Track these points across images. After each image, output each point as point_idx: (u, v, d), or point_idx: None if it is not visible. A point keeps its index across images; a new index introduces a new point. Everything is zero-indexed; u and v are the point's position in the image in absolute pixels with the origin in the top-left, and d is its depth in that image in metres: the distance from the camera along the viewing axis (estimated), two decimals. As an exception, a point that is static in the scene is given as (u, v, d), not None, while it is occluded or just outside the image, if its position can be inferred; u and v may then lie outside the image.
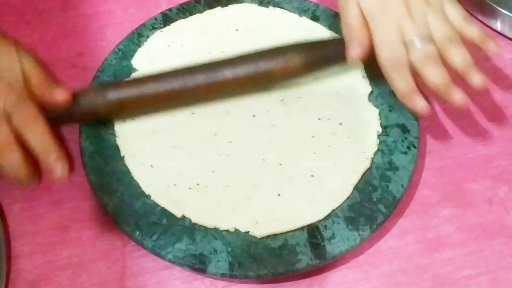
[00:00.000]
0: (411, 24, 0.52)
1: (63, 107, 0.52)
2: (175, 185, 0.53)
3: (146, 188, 0.53)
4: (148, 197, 0.53)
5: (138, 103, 0.55)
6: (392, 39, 0.52)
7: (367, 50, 0.53)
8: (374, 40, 0.53)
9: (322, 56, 0.57)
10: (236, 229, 0.51)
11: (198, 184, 0.53)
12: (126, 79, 0.57)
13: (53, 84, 0.52)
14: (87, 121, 0.56)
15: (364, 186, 0.53)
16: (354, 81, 0.59)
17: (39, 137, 0.48)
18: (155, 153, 0.55)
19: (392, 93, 0.58)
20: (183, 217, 0.52)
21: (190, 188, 0.53)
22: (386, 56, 0.53)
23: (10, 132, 0.47)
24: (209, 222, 0.51)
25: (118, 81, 0.58)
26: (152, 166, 0.54)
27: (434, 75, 0.52)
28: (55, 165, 0.48)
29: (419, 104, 0.53)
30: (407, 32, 0.52)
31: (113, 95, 0.54)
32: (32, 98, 0.50)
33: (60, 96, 0.52)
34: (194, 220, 0.51)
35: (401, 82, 0.53)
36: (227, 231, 0.51)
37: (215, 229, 0.51)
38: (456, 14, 0.53)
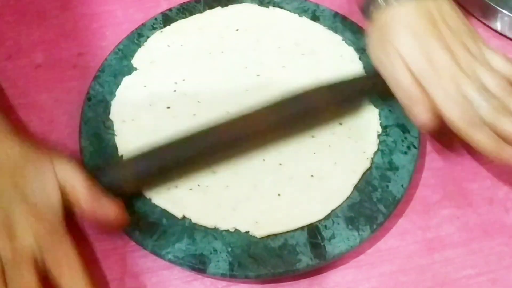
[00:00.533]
0: (467, 79, 0.50)
1: (116, 224, 0.47)
2: (176, 187, 0.53)
3: (147, 191, 0.53)
4: (148, 198, 0.53)
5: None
6: (456, 97, 0.50)
7: (433, 112, 0.50)
8: (437, 100, 0.50)
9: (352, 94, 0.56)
10: (236, 229, 0.51)
11: (199, 185, 0.53)
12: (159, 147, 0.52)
13: (102, 197, 0.46)
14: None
15: (364, 186, 0.54)
16: (354, 81, 0.59)
17: (75, 284, 0.43)
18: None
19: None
20: (184, 217, 0.52)
21: (190, 189, 0.53)
22: (458, 115, 0.50)
23: (34, 279, 0.42)
24: (209, 222, 0.51)
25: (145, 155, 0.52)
26: None
27: None
28: None
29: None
30: (467, 88, 0.50)
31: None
32: (70, 219, 0.45)
33: (113, 211, 0.46)
34: (194, 220, 0.51)
35: (485, 138, 0.49)
36: (227, 231, 0.51)
37: (215, 229, 0.51)
38: (499, 60, 0.52)
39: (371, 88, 0.56)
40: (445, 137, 0.56)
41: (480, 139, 0.50)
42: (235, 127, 0.53)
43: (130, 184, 0.50)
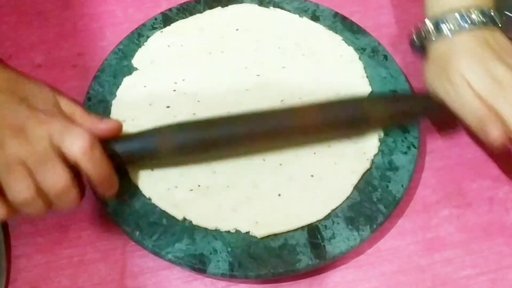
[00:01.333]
0: None
1: (115, 136, 0.50)
2: (176, 187, 0.53)
3: (147, 191, 0.53)
4: (148, 198, 0.53)
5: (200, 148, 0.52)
6: None
7: (504, 129, 0.50)
8: (505, 116, 0.49)
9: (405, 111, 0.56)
10: (236, 230, 0.51)
11: (199, 186, 0.53)
12: (186, 121, 0.53)
13: (97, 115, 0.51)
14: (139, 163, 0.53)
15: (364, 186, 0.53)
16: (354, 81, 0.59)
17: (97, 166, 0.46)
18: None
19: (392, 93, 0.58)
20: (184, 219, 0.52)
21: (191, 190, 0.53)
22: None
23: (68, 170, 0.45)
24: (210, 224, 0.51)
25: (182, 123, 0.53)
26: (152, 170, 0.54)
27: None
28: (110, 189, 0.49)
29: None
30: None
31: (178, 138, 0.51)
32: None
33: (112, 124, 0.50)
34: (195, 222, 0.51)
35: None
36: (228, 231, 0.51)
37: (216, 230, 0.51)
38: None
39: (424, 109, 0.56)
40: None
41: None
42: (282, 118, 0.53)
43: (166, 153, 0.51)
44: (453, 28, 0.53)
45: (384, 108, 0.54)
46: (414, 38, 0.57)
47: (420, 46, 0.56)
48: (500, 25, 0.53)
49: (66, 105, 0.49)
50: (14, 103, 0.47)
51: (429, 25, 0.54)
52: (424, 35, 0.55)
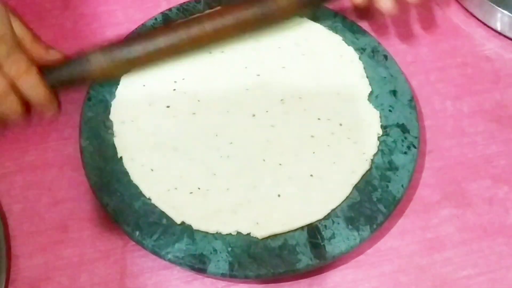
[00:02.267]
0: None
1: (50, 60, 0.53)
2: (176, 188, 0.53)
3: (147, 191, 0.53)
4: (148, 198, 0.53)
5: (143, 61, 0.55)
6: None
7: None
8: None
9: None
10: (238, 232, 0.51)
11: (199, 189, 0.53)
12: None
13: (46, 44, 0.53)
14: (86, 84, 0.57)
15: (364, 186, 0.53)
16: (354, 81, 0.59)
17: (32, 86, 0.49)
18: (155, 155, 0.55)
19: (392, 93, 0.58)
20: (183, 223, 0.51)
21: (191, 192, 0.53)
22: None
23: (3, 79, 0.48)
24: (211, 228, 0.51)
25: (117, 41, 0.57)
26: (152, 170, 0.54)
27: None
28: (48, 110, 0.51)
29: None
30: None
31: (118, 55, 0.54)
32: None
33: (57, 56, 0.52)
34: (195, 227, 0.51)
35: None
36: (229, 234, 0.51)
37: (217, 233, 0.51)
38: None
39: None
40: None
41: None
42: (202, 23, 0.55)
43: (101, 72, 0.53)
44: None
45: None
46: None
47: None
48: None
49: (19, 29, 0.51)
50: None
51: None
52: None
